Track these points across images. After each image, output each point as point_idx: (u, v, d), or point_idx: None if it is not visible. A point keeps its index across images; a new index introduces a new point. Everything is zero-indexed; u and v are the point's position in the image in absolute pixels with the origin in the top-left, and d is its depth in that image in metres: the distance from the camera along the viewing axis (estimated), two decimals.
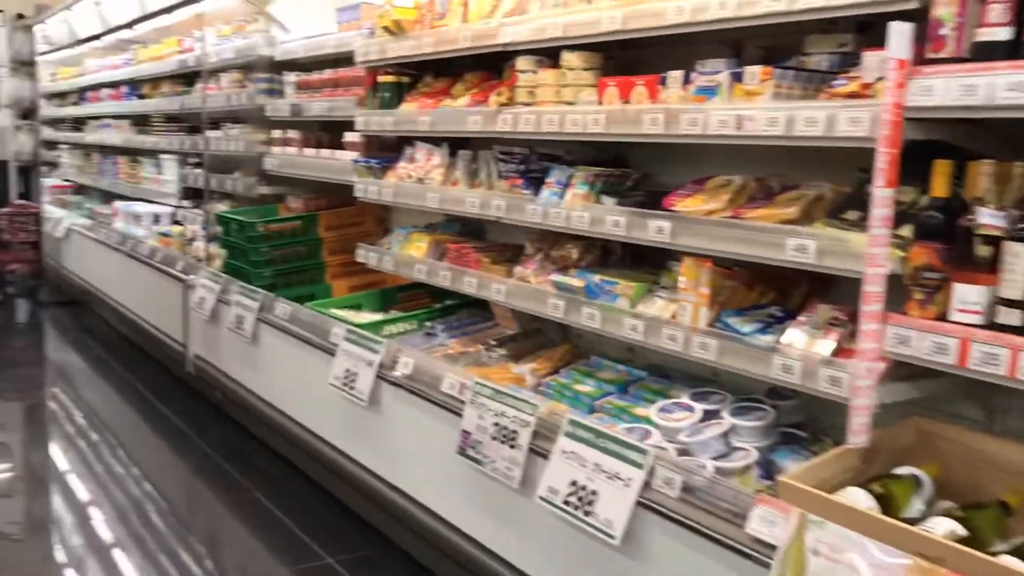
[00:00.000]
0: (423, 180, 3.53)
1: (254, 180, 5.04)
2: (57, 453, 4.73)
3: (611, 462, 2.34)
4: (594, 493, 2.35)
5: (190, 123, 6.06)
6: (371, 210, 4.59)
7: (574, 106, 2.84)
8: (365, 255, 3.95)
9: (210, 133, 5.52)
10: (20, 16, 8.65)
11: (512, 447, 2.61)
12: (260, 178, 5.02)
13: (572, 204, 2.82)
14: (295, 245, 4.59)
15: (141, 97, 6.86)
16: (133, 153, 7.12)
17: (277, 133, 4.88)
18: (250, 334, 4.28)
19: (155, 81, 6.64)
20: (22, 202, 8.70)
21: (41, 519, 3.97)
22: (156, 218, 6.40)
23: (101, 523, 3.83)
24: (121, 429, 5.04)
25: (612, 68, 2.93)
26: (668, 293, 2.62)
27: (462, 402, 2.86)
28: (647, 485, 2.27)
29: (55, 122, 8.89)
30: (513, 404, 2.67)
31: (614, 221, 2.63)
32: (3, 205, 8.49)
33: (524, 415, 2.63)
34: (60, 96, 8.76)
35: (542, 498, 2.48)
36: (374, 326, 3.65)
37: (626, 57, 3.00)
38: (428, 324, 3.73)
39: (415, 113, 3.52)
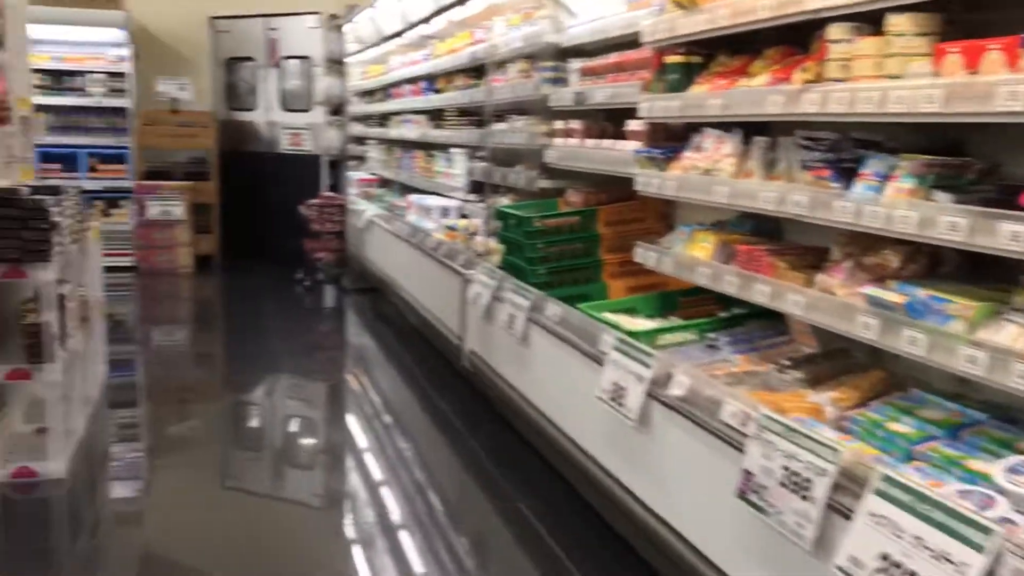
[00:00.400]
0: (711, 171, 3.11)
1: (535, 173, 4.85)
2: (354, 433, 4.99)
3: (938, 537, 1.81)
4: (912, 575, 1.83)
5: (478, 116, 6.02)
6: (654, 205, 4.22)
7: (901, 80, 2.30)
8: (643, 254, 3.59)
9: (495, 126, 5.42)
10: (333, 16, 9.19)
11: (804, 499, 2.14)
12: (541, 171, 4.82)
13: (894, 200, 2.28)
14: (572, 242, 4.32)
15: (437, 92, 6.95)
16: (428, 147, 7.26)
17: (559, 124, 4.64)
18: (520, 334, 4.07)
19: (449, 75, 6.69)
20: (330, 194, 9.24)
21: (336, 493, 4.25)
22: (444, 211, 6.44)
23: (386, 504, 3.94)
24: (406, 417, 5.17)
25: (953, 34, 2.34)
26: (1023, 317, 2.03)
27: (745, 435, 2.42)
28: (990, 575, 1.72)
29: (364, 118, 9.36)
30: (808, 447, 2.19)
31: (951, 223, 2.07)
32: (314, 196, 9.05)
33: (821, 462, 2.14)
34: (369, 93, 9.20)
35: (841, 568, 1.98)
36: (649, 335, 3.28)
37: (971, 20, 2.39)
38: (711, 335, 3.30)
39: (704, 96, 3.10)
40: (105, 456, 4.46)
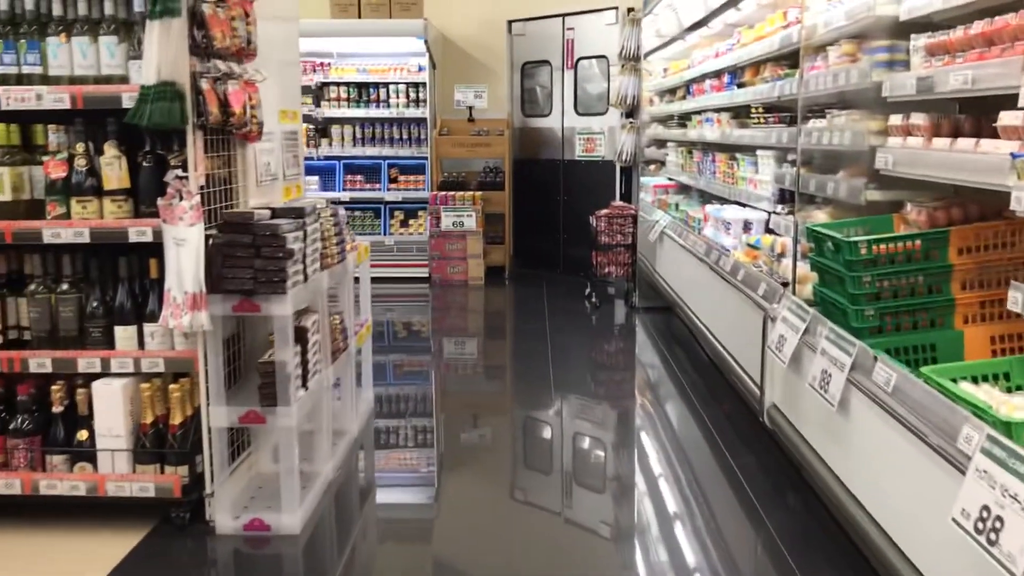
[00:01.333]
0: None
1: (862, 183, 3.81)
2: (640, 467, 4.57)
3: None
4: None
5: (789, 112, 5.05)
6: None
7: None
8: (1019, 298, 2.51)
9: (811, 123, 4.42)
10: (631, 10, 8.45)
11: None
12: (870, 180, 3.77)
13: None
14: (912, 274, 3.27)
15: (741, 86, 6.03)
16: (730, 149, 6.36)
17: (896, 119, 3.58)
18: (836, 399, 3.09)
19: (756, 66, 5.75)
20: (621, 203, 8.52)
21: (625, 525, 3.91)
22: (746, 225, 5.51)
23: (673, 552, 3.52)
24: (696, 462, 4.49)
25: None
26: None
27: None
28: None
29: (664, 119, 8.59)
30: None
31: None
32: (604, 206, 8.39)
33: None
34: (671, 92, 8.43)
35: None
36: None
37: None
38: None
39: None
40: (364, 495, 4.12)
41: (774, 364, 3.90)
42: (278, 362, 3.40)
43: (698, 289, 5.89)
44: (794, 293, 3.96)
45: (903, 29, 3.59)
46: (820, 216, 4.28)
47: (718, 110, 6.68)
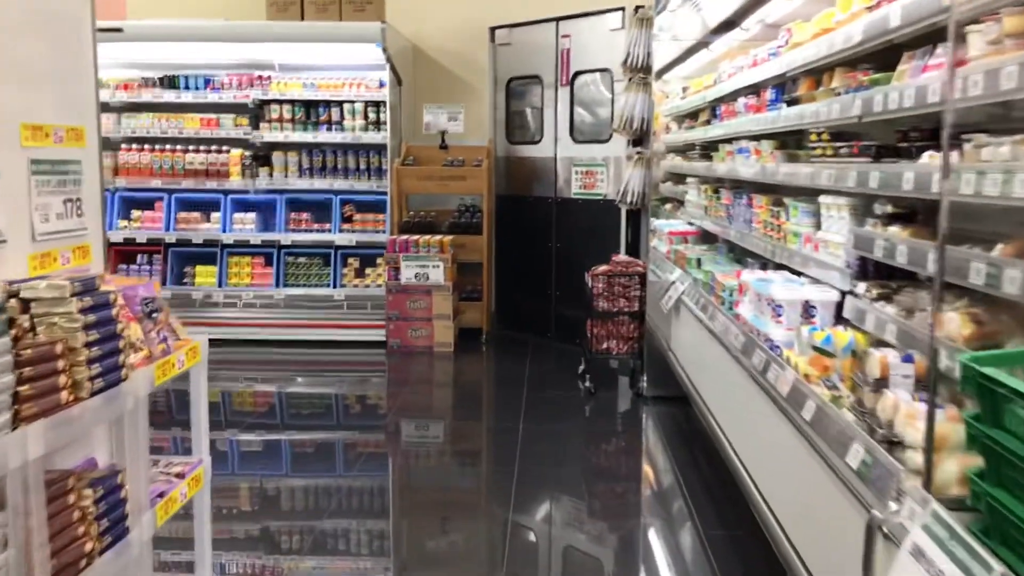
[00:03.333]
0: None
1: None
2: None
3: None
4: None
5: (878, 141, 3.24)
6: None
7: None
8: None
9: (926, 158, 2.59)
10: (639, 8, 6.60)
11: None
12: None
13: None
14: None
15: (792, 103, 4.21)
16: (774, 190, 4.53)
17: None
18: None
19: (815, 74, 3.92)
20: (625, 258, 6.60)
21: None
22: (808, 310, 3.65)
23: None
24: None
25: None
26: None
27: None
28: None
29: (683, 149, 6.77)
30: None
31: None
32: (606, 258, 6.49)
33: None
34: (692, 116, 6.62)
35: None
36: None
37: None
38: None
39: None
40: None
41: None
42: None
43: (732, 402, 4.02)
44: (929, 485, 2.08)
45: None
46: (952, 321, 2.44)
47: (756, 137, 4.86)
